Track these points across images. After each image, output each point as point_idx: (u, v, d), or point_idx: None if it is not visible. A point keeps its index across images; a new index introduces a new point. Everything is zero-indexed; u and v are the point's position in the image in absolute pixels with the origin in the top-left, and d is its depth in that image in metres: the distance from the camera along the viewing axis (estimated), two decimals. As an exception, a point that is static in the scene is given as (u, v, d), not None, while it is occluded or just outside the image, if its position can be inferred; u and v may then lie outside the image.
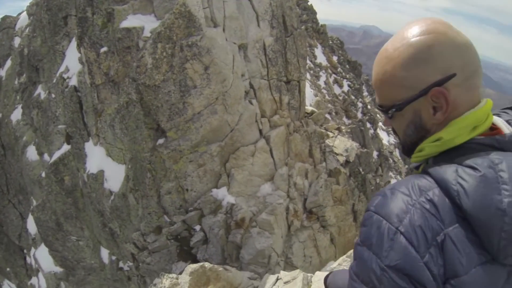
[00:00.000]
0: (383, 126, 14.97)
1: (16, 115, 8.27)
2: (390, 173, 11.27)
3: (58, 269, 7.01)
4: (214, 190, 4.38)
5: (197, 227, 4.34)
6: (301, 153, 4.88)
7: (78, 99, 5.92)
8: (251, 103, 4.58)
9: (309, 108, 5.94)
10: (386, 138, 13.91)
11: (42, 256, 7.47)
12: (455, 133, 0.72)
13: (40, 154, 7.23)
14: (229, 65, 4.45)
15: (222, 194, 4.35)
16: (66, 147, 6.06)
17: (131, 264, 5.22)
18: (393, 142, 13.98)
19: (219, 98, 4.26)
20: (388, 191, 0.72)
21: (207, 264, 3.00)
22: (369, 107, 12.07)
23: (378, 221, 0.68)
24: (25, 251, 8.88)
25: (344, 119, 8.28)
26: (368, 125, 10.23)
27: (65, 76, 6.33)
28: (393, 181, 11.31)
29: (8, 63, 8.73)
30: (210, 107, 4.24)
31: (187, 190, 4.33)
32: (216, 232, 4.17)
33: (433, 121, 0.74)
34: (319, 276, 2.76)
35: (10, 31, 8.73)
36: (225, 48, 4.43)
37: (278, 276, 3.24)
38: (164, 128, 4.35)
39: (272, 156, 4.63)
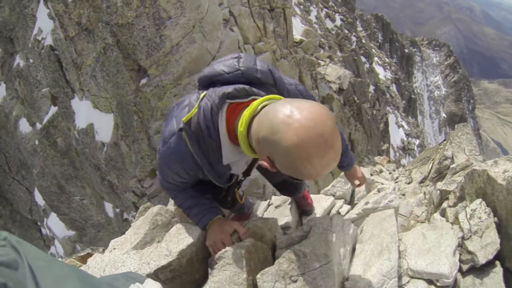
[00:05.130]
0: (379, 61, 14.43)
1: (1, 92, 8.06)
2: (388, 108, 10.98)
3: (71, 232, 7.18)
4: (203, 123, 4.22)
5: (192, 163, 4.27)
6: (290, 79, 4.68)
7: (56, 58, 5.69)
8: (232, 30, 4.33)
9: (297, 37, 5.64)
10: (383, 73, 13.43)
11: (54, 224, 7.65)
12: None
13: (32, 124, 7.12)
14: (203, -10, 4.13)
15: (212, 126, 4.19)
16: (53, 109, 5.93)
17: (134, 213, 5.27)
18: (390, 77, 13.54)
19: (196, 25, 4.01)
20: None
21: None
22: (363, 41, 11.56)
23: None
24: (38, 223, 9.07)
25: (338, 53, 7.91)
26: (363, 59, 9.81)
27: (39, 38, 6.06)
28: (391, 115, 11.05)
29: (-18, 42, 8.38)
30: (188, 37, 4.00)
31: (176, 126, 4.20)
32: (212, 165, 4.10)
33: None
34: (313, 199, 2.65)
35: (-23, 9, 8.29)
36: (197, -27, 4.09)
37: (269, 202, 3.14)
38: (145, 66, 4.15)
39: (259, 83, 4.45)
